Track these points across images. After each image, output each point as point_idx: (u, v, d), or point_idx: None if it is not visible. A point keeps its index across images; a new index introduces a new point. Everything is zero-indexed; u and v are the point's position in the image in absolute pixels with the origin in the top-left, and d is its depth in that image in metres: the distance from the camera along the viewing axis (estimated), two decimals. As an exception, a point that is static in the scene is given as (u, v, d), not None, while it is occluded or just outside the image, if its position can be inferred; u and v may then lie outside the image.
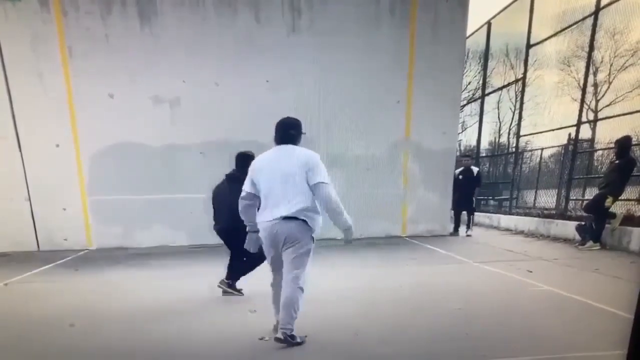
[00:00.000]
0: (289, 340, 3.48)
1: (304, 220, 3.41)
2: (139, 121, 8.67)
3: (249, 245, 3.79)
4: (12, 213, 8.78)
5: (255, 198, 3.58)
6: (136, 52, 8.48)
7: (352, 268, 5.70)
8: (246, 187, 3.59)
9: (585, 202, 8.58)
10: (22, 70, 8.32)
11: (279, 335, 3.50)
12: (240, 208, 3.64)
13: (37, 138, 8.54)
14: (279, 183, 3.43)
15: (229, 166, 8.83)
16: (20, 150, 8.60)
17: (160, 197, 8.87)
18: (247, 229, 3.75)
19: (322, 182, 3.38)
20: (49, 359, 3.64)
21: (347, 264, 5.84)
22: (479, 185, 10.03)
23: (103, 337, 4.00)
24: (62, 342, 3.91)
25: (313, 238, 3.51)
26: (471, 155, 11.59)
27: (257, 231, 3.61)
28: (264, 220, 3.50)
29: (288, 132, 3.59)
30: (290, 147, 3.54)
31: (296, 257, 3.45)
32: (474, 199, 9.96)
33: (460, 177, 9.80)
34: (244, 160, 4.71)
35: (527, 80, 11.25)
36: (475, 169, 9.98)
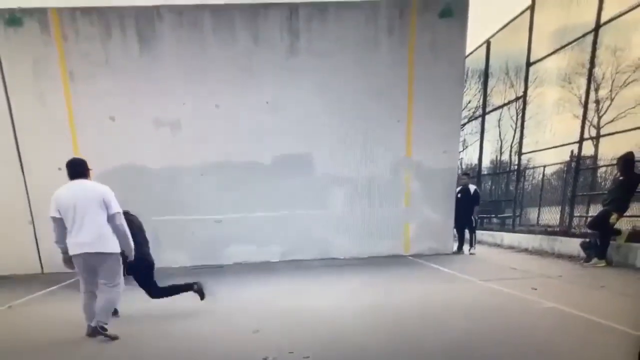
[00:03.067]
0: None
1: None
2: (140, 143, 8.75)
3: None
4: (16, 236, 8.80)
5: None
6: (136, 75, 8.57)
7: (355, 287, 5.67)
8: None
9: (589, 218, 8.46)
10: (24, 94, 8.43)
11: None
12: None
13: (40, 161, 8.58)
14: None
15: (231, 187, 8.93)
16: (23, 173, 8.67)
17: (161, 218, 8.78)
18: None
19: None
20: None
21: (351, 283, 5.78)
22: (477, 204, 9.99)
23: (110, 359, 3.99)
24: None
25: None
26: (469, 174, 11.54)
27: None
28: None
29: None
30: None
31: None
32: (473, 217, 9.91)
33: (459, 195, 9.81)
34: None
35: (527, 97, 11.19)
36: (472, 188, 9.96)
